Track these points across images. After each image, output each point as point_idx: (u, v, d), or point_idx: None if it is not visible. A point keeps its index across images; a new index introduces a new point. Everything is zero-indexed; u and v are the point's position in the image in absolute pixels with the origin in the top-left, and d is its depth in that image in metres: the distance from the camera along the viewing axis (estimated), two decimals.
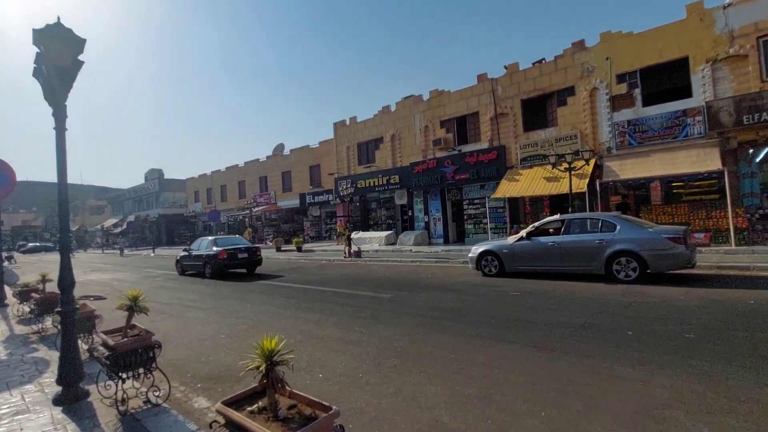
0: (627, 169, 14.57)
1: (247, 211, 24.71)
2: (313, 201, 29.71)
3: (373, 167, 23.56)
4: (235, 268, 14.42)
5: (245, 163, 36.08)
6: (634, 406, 3.22)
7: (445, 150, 20.15)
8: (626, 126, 15.08)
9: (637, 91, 14.95)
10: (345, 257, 17.94)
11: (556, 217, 9.90)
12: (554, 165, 13.97)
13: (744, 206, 13.04)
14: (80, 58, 3.70)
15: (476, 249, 10.78)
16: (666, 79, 14.68)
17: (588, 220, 9.23)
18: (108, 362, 3.45)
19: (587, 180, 14.69)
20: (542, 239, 9.63)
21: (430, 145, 20.75)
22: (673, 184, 14.71)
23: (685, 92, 14.08)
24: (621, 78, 15.21)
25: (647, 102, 14.84)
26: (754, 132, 12.83)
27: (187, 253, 15.70)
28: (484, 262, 10.48)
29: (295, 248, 23.72)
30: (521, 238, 9.93)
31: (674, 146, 14.09)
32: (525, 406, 3.32)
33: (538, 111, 17.71)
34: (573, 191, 15.00)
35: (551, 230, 9.90)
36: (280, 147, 35.18)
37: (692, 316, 5.72)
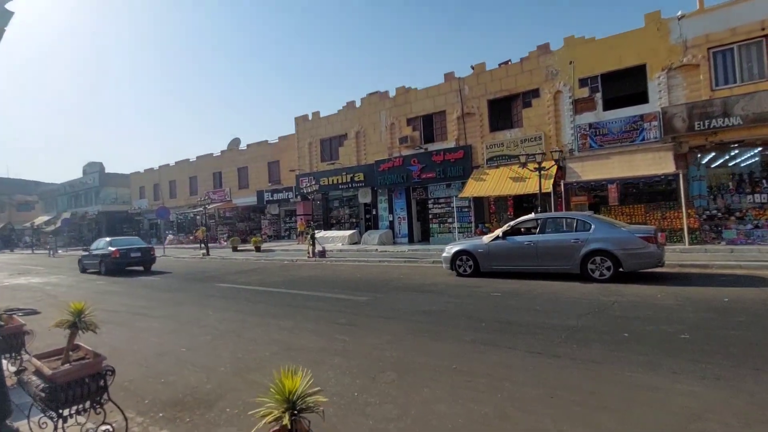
0: (588, 170, 15.00)
1: (201, 209, 23.14)
2: (271, 198, 28.49)
3: (337, 164, 22.87)
4: (129, 266, 15.97)
5: (197, 157, 33.98)
6: (669, 420, 2.96)
7: (412, 148, 19.90)
8: (588, 129, 15.54)
9: (598, 96, 15.45)
10: (308, 257, 17.18)
11: (531, 216, 9.86)
12: (524, 164, 14.09)
13: (694, 207, 13.81)
14: (9, 7, 2.88)
15: (450, 249, 10.53)
16: (625, 85, 15.26)
17: (563, 220, 9.25)
18: (44, 395, 2.70)
19: (552, 180, 14.97)
20: (518, 239, 9.53)
21: (396, 143, 20.42)
22: (626, 185, 15.36)
23: (643, 98, 14.71)
24: (583, 82, 15.66)
25: (607, 106, 15.38)
26: (703, 138, 13.61)
27: (87, 253, 17.05)
28: (458, 262, 10.24)
29: (253, 248, 22.50)
30: (497, 238, 9.78)
31: (632, 149, 14.68)
32: (554, 426, 2.97)
33: (504, 112, 17.89)
34: (535, 192, 15.28)
35: (522, 230, 9.85)
36: (235, 141, 33.46)
37: (678, 316, 5.71)
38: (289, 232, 30.31)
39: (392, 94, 20.79)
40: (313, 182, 17.28)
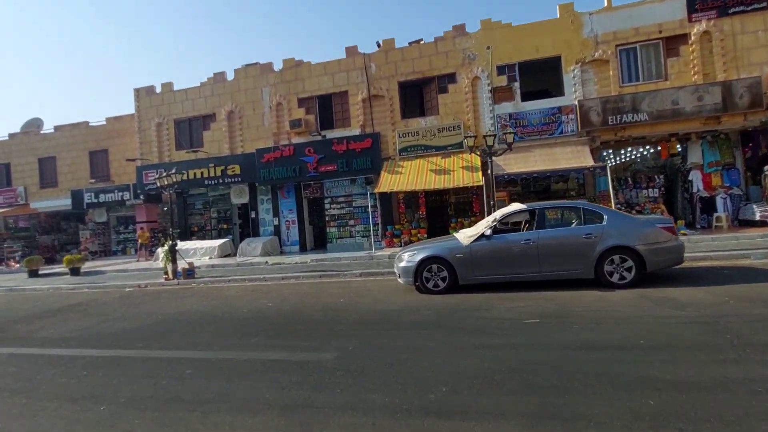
0: (512, 163, 13.84)
1: None
2: (95, 201, 20.74)
3: (201, 153, 17.42)
4: None
5: None
6: None
7: (306, 135, 16.13)
8: (507, 119, 14.46)
9: (516, 85, 14.53)
10: (168, 279, 11.86)
11: (520, 206, 7.52)
12: (471, 150, 12.01)
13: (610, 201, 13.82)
14: None
15: (412, 256, 7.46)
16: (542, 76, 14.70)
17: (565, 210, 7.18)
18: None
19: (480, 173, 13.32)
20: (510, 237, 7.08)
21: (285, 128, 16.34)
22: (535, 180, 14.88)
23: (559, 90, 14.29)
24: (501, 70, 14.55)
25: (525, 97, 14.57)
26: (613, 132, 13.72)
27: None
28: (426, 274, 7.25)
29: (67, 270, 15.34)
30: (481, 237, 7.13)
31: (551, 142, 14.09)
32: None
33: (417, 96, 15.75)
34: (467, 185, 13.50)
35: (502, 227, 7.48)
36: (35, 123, 23.86)
37: None
38: (124, 245, 22.74)
39: (278, 66, 16.66)
40: (172, 171, 12.02)
